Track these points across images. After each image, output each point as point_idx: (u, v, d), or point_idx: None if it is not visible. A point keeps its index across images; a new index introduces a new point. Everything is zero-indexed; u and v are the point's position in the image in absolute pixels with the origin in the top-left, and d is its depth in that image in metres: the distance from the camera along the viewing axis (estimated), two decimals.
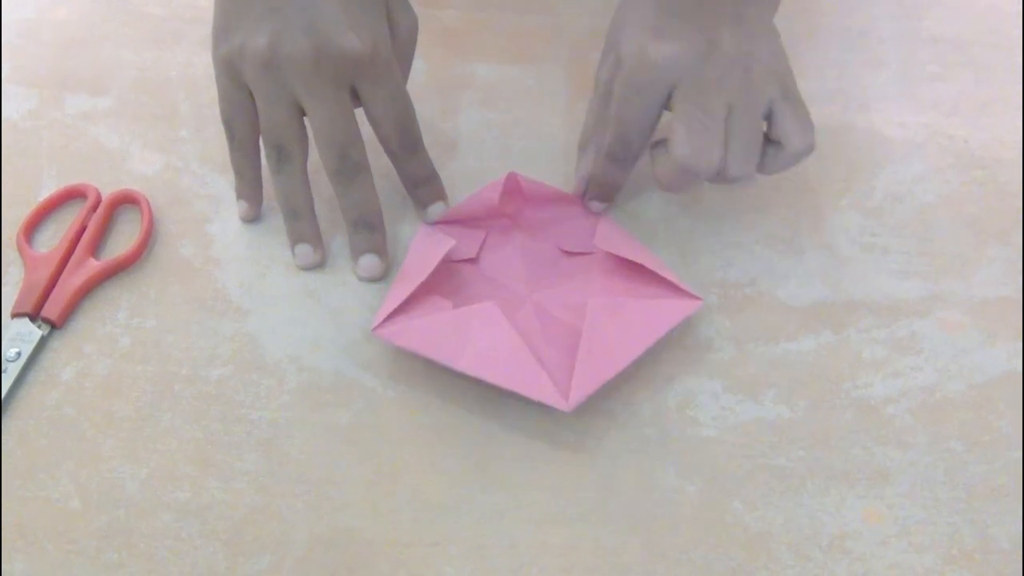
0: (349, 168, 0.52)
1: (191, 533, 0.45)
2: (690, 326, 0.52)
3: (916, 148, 0.62)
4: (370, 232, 0.53)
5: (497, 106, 0.63)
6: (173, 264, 0.54)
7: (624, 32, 0.52)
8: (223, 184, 0.58)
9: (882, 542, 0.45)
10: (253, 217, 0.56)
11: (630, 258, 0.51)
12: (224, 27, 0.51)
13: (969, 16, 0.70)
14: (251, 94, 0.51)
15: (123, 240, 0.55)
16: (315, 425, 0.48)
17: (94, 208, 0.55)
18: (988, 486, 0.47)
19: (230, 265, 0.54)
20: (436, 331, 0.48)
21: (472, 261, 0.54)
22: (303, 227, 0.54)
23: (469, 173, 0.59)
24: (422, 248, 0.54)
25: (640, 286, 0.51)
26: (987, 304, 0.54)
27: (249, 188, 0.55)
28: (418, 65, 0.60)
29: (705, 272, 0.55)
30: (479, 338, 0.48)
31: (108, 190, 0.56)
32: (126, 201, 0.57)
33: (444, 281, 0.52)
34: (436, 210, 0.55)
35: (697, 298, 0.50)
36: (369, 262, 0.53)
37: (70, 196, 0.56)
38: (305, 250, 0.54)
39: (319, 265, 0.54)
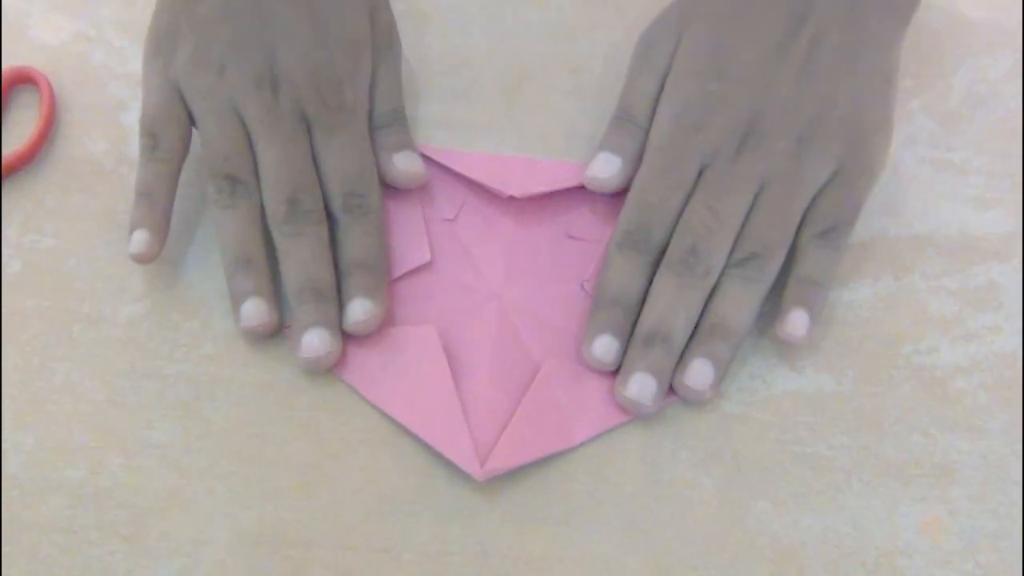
0: (299, 217, 0.41)
1: (85, 525, 0.37)
2: None
3: (1007, 36, 0.50)
4: (318, 303, 0.41)
5: None
6: (78, 164, 0.46)
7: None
8: None
9: (944, 562, 0.37)
10: (153, 256, 0.41)
11: None
12: (168, 32, 0.44)
13: None
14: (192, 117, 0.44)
15: (16, 132, 0.46)
16: (245, 385, 0.40)
17: None
18: None
19: None
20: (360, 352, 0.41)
21: (449, 220, 0.45)
22: (255, 277, 0.41)
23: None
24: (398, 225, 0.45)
25: None
26: None
27: (159, 216, 0.42)
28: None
29: None
30: (406, 367, 0.40)
31: None
32: (21, 81, 0.48)
33: None
34: (358, 307, 0.41)
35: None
36: (315, 340, 0.40)
37: None
38: (256, 304, 0.41)
39: (274, 330, 0.41)
